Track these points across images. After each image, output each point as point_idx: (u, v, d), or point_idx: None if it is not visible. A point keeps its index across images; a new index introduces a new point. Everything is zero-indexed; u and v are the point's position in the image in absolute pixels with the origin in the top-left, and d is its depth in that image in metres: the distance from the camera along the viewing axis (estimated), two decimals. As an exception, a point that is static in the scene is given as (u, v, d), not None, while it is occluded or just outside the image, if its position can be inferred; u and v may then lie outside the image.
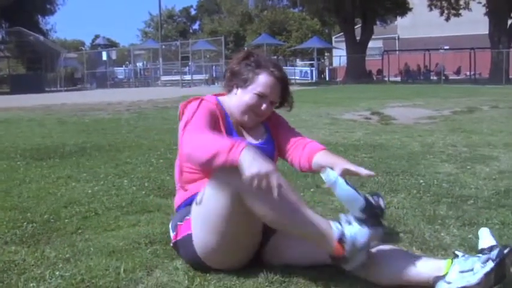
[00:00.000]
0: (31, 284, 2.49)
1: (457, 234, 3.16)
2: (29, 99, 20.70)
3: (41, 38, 40.71)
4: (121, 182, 4.87)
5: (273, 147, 2.83)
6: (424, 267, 2.28)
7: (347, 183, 2.31)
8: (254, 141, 2.77)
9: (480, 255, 2.22)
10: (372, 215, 2.26)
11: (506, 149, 6.46)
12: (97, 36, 69.80)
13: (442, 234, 3.18)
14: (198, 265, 2.55)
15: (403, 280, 2.29)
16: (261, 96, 2.71)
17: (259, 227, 2.49)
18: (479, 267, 2.14)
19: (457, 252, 2.30)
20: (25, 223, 3.55)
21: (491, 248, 2.23)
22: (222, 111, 2.73)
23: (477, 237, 3.02)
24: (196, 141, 2.36)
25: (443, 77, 35.30)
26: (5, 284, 2.51)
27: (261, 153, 2.22)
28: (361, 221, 2.25)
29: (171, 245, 2.74)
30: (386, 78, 38.45)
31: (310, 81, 41.19)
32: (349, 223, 2.26)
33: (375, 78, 40.60)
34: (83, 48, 67.22)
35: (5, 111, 15.27)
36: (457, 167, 5.36)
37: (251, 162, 2.14)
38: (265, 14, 59.27)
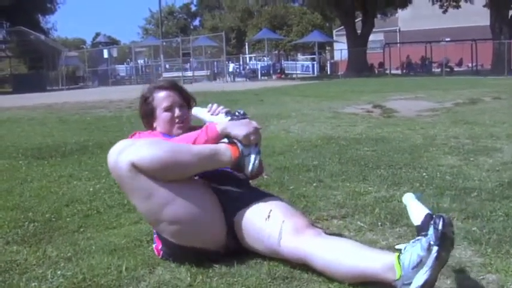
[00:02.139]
0: (33, 284, 2.48)
1: (461, 226, 3.14)
2: (31, 99, 20.71)
3: (42, 37, 40.76)
4: (123, 179, 4.84)
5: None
6: (374, 263, 2.26)
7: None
8: None
9: (419, 237, 2.17)
10: (237, 116, 2.78)
11: (509, 140, 6.43)
12: (98, 34, 69.93)
13: (446, 227, 3.15)
14: (183, 250, 2.62)
15: (367, 279, 2.28)
16: (168, 109, 3.00)
17: (197, 194, 2.65)
18: (426, 255, 2.10)
19: (397, 247, 2.26)
20: (27, 222, 3.55)
21: (426, 225, 2.18)
22: (159, 133, 3.02)
23: (481, 230, 3.02)
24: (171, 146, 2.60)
25: (447, 69, 35.20)
26: (7, 284, 2.50)
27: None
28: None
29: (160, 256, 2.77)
30: (387, 71, 38.35)
31: (311, 75, 41.14)
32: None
33: (376, 72, 40.51)
34: (84, 46, 67.19)
35: (7, 110, 15.28)
36: (460, 159, 5.34)
37: (234, 127, 2.67)
38: (265, 9, 59.13)
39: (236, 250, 2.66)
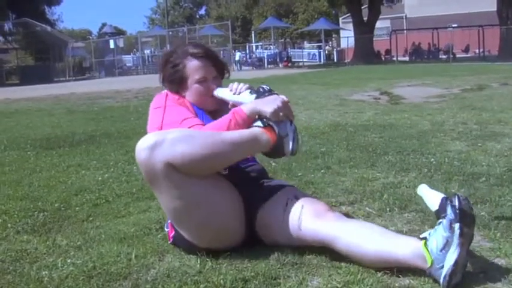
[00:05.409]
0: (43, 272, 2.49)
1: (470, 211, 3.13)
2: (38, 90, 20.75)
3: (48, 28, 40.77)
4: (131, 168, 4.87)
5: None
6: (402, 250, 2.25)
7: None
8: None
9: (441, 220, 2.19)
10: (262, 91, 2.64)
11: (518, 125, 6.40)
12: (104, 25, 70.02)
13: (454, 212, 3.15)
14: (197, 249, 2.58)
15: (389, 264, 2.28)
16: (202, 81, 2.76)
17: (224, 198, 2.57)
18: (450, 235, 2.13)
19: (422, 236, 2.26)
20: (36, 212, 3.57)
21: (443, 207, 2.20)
22: (187, 101, 2.80)
23: (490, 215, 3.02)
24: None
25: (452, 55, 35.04)
26: (18, 273, 2.52)
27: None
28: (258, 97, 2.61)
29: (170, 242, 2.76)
30: (394, 58, 38.21)
31: (318, 63, 41.03)
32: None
33: (383, 59, 40.37)
34: (90, 37, 67.21)
35: (15, 102, 15.33)
36: (468, 144, 5.32)
37: (262, 105, 2.53)
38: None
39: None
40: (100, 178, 4.55)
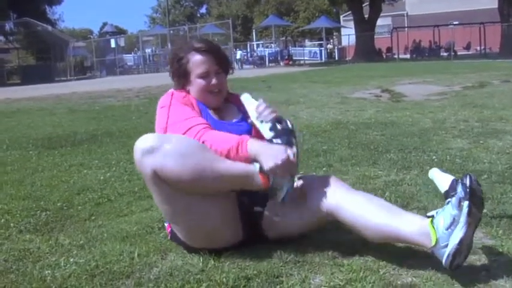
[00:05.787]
0: (46, 272, 2.50)
1: (472, 209, 3.13)
2: (39, 90, 20.75)
3: (49, 28, 40.78)
4: (133, 167, 4.85)
5: (249, 124, 2.75)
6: (407, 226, 2.27)
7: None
8: (233, 118, 2.81)
9: (449, 199, 2.19)
10: (281, 133, 2.47)
11: (519, 122, 6.40)
12: (105, 24, 70.04)
13: (456, 209, 3.15)
14: (191, 248, 2.61)
15: (391, 239, 2.36)
16: (204, 76, 2.72)
17: (220, 205, 2.54)
18: (458, 213, 2.13)
19: (429, 214, 2.27)
20: (39, 211, 3.58)
21: (453, 187, 2.21)
22: (192, 98, 2.76)
23: (492, 212, 3.02)
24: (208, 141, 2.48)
25: (453, 53, 35.00)
26: (21, 272, 2.52)
27: (265, 143, 2.47)
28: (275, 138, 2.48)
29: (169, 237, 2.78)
30: (395, 56, 38.16)
31: (319, 61, 41.01)
32: None
33: (384, 56, 40.33)
34: (91, 36, 67.26)
35: (16, 102, 15.33)
36: (469, 142, 5.32)
37: (264, 156, 2.37)
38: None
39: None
40: (102, 177, 4.56)
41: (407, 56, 40.13)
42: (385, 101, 10.02)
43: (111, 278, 2.38)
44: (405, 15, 55.04)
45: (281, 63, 39.23)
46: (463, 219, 2.12)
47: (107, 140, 6.63)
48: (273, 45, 46.64)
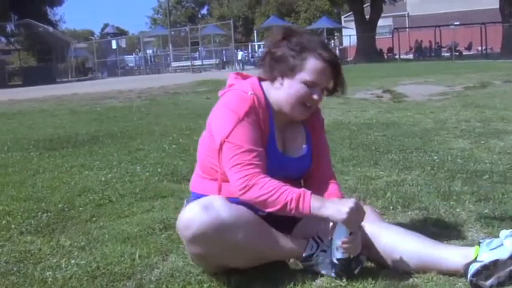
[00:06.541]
0: (47, 273, 2.50)
1: (473, 209, 3.14)
2: (41, 91, 20.74)
3: (51, 29, 40.75)
4: (134, 168, 4.87)
5: (311, 156, 2.53)
6: (453, 256, 2.22)
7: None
8: (296, 149, 2.49)
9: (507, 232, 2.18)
10: (343, 269, 2.23)
11: (521, 122, 6.39)
12: (106, 25, 69.96)
13: (458, 210, 3.15)
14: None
15: (431, 268, 2.24)
16: (310, 86, 2.35)
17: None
18: (508, 240, 2.11)
19: (481, 240, 2.24)
20: (40, 213, 3.57)
21: None
22: (266, 112, 2.38)
23: (493, 212, 3.02)
24: (260, 190, 2.21)
25: (456, 53, 35.00)
26: (22, 274, 2.52)
27: (326, 199, 2.27)
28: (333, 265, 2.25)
29: None
30: (397, 56, 38.16)
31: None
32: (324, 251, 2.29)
33: (385, 57, 40.33)
34: (93, 37, 67.25)
35: (18, 103, 15.33)
36: (471, 142, 5.32)
37: (334, 211, 2.16)
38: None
39: None
40: (103, 178, 4.55)
41: (409, 56, 40.14)
42: (386, 102, 10.03)
43: (112, 280, 2.38)
44: (406, 15, 55.03)
45: (282, 64, 39.15)
46: (509, 243, 2.09)
47: (108, 141, 6.62)
48: (274, 46, 46.57)
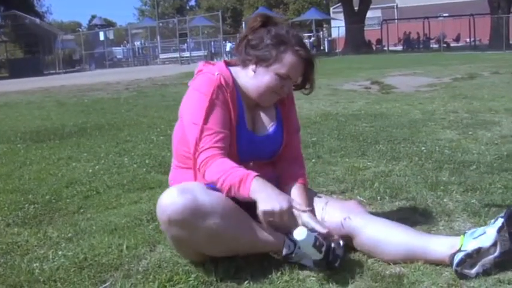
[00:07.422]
0: (34, 265, 2.49)
1: (460, 199, 3.15)
2: (28, 83, 20.65)
3: (37, 20, 40.56)
4: (122, 160, 4.86)
5: (282, 134, 2.54)
6: (440, 246, 2.23)
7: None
8: (266, 128, 2.49)
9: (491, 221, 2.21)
10: (323, 266, 2.21)
11: (508, 113, 6.42)
12: (94, 17, 69.71)
13: (445, 200, 3.16)
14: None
15: (418, 258, 2.25)
16: (283, 78, 2.39)
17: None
18: (491, 227, 2.13)
19: (466, 231, 2.26)
20: (27, 204, 3.56)
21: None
22: (234, 93, 2.40)
23: (480, 202, 3.03)
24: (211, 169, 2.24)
25: (444, 45, 35.10)
26: (9, 265, 2.51)
27: (270, 185, 2.20)
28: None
29: None
30: (385, 48, 38.22)
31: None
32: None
33: (374, 48, 40.39)
34: (80, 29, 66.92)
35: (4, 95, 15.24)
36: (458, 133, 5.34)
37: (264, 199, 2.13)
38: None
39: None
40: (91, 170, 4.54)
41: (398, 48, 40.21)
42: (374, 93, 10.05)
43: (99, 271, 2.37)
44: (395, 7, 55.01)
45: (271, 56, 39.12)
46: (492, 231, 2.10)
47: (95, 133, 6.60)
48: (262, 37, 46.50)
